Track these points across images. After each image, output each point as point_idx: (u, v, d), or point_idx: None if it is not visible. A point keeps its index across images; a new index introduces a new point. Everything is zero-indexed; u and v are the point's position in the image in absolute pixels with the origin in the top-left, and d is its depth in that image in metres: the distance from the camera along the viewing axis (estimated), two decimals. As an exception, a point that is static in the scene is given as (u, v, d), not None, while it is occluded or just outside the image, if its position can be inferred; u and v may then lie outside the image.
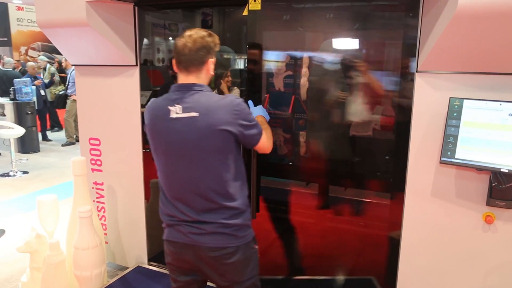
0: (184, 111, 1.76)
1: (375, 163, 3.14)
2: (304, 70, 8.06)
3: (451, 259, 2.11)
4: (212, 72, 1.88)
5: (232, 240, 1.81)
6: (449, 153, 1.93)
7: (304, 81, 8.31)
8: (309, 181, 2.96)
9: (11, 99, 7.86)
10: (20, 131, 6.38)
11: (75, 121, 8.16)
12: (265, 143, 1.91)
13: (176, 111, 1.77)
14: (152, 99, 1.91)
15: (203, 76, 1.85)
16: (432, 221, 2.12)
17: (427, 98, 2.06)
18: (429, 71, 2.05)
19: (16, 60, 11.23)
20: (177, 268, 1.93)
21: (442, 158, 1.95)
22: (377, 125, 8.16)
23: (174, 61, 1.85)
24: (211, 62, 1.85)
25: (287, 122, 3.54)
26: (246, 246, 1.85)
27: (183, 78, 1.84)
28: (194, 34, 1.80)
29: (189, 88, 1.81)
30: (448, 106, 1.97)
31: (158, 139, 1.83)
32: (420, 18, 2.04)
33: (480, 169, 1.90)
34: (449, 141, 1.94)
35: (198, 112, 1.74)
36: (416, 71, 2.08)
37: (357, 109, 2.78)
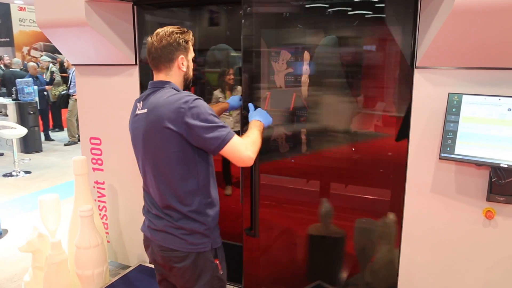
0: (142, 107, 1.77)
1: (376, 159, 3.14)
2: (305, 67, 8.00)
3: (451, 255, 2.11)
4: (184, 69, 1.81)
5: (181, 244, 1.74)
6: (448, 148, 1.93)
7: (305, 78, 8.27)
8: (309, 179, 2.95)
9: (13, 99, 7.89)
10: (22, 131, 6.41)
11: (77, 120, 8.19)
12: (236, 152, 1.68)
13: (139, 108, 1.80)
14: None
15: (174, 73, 1.80)
16: (432, 217, 2.12)
17: (426, 94, 2.06)
18: (427, 66, 2.04)
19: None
20: (150, 260, 1.95)
21: (442, 154, 1.94)
22: (379, 121, 8.11)
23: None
24: (181, 58, 1.79)
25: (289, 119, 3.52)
26: (199, 255, 1.76)
27: (155, 76, 1.83)
28: (161, 32, 1.77)
29: (156, 85, 1.79)
30: (447, 102, 1.96)
31: (130, 133, 1.87)
32: (418, 13, 2.03)
33: (479, 164, 1.89)
34: (448, 136, 1.93)
35: (147, 108, 1.74)
36: (415, 67, 2.07)
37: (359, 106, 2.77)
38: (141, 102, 1.79)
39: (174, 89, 1.77)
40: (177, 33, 1.78)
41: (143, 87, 3.04)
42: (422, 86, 2.07)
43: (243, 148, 1.70)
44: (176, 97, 1.68)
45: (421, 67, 2.05)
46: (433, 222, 2.12)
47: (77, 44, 2.98)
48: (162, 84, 1.78)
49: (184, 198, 1.73)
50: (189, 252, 1.74)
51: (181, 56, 1.79)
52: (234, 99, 2.70)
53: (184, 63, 1.81)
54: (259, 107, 2.32)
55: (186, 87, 1.88)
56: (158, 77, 1.81)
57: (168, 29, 1.79)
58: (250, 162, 1.73)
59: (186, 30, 1.84)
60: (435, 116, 2.04)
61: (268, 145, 3.67)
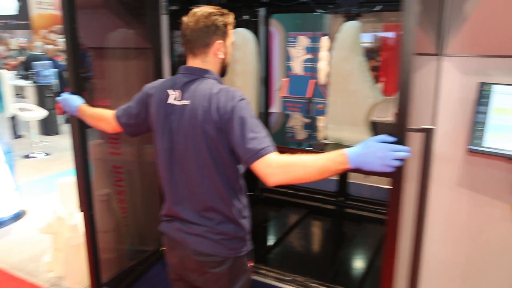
0: (181, 98, 1.62)
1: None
2: (324, 53, 7.93)
3: (477, 251, 2.05)
4: (221, 56, 1.66)
5: (220, 249, 1.65)
6: (477, 141, 1.85)
7: (323, 65, 8.17)
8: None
9: (32, 82, 7.97)
10: (41, 113, 6.47)
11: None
12: (260, 172, 1.46)
13: (174, 97, 1.64)
14: (162, 79, 1.80)
15: (210, 59, 1.65)
16: (457, 211, 2.05)
17: (454, 83, 1.98)
18: (457, 54, 1.95)
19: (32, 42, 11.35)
20: (170, 263, 1.84)
21: (470, 147, 1.87)
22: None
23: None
24: (219, 44, 1.63)
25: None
26: (236, 260, 1.69)
27: (190, 61, 1.68)
28: (198, 12, 1.61)
29: (193, 72, 1.65)
30: (477, 92, 1.88)
31: (157, 125, 1.69)
32: (449, -3, 1.94)
33: (511, 158, 1.81)
34: (477, 128, 1.85)
35: (189, 100, 1.59)
36: (443, 55, 1.99)
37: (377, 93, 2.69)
38: (178, 90, 1.63)
39: (217, 80, 1.65)
40: (216, 15, 1.61)
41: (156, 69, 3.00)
42: (450, 74, 1.99)
43: (269, 171, 1.45)
44: (223, 93, 1.55)
45: (450, 55, 1.97)
46: (459, 217, 2.05)
47: (95, 27, 2.96)
48: (202, 73, 1.64)
49: (230, 200, 1.64)
50: (227, 257, 1.67)
51: (219, 41, 1.63)
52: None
53: (222, 49, 1.66)
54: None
55: (222, 76, 1.75)
56: (194, 63, 1.66)
57: (207, 9, 1.62)
58: (271, 184, 1.48)
59: (226, 11, 1.67)
60: (463, 107, 1.96)
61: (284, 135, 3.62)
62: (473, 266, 2.07)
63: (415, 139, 1.85)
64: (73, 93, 2.22)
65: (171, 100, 1.64)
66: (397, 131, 1.57)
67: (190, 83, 1.62)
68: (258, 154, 1.46)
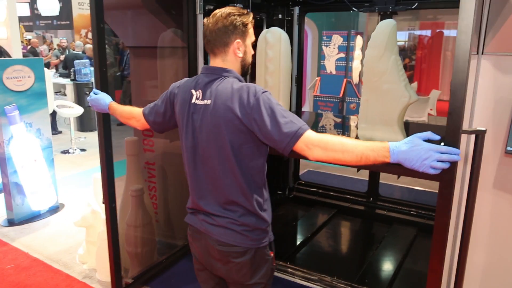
0: (202, 97, 1.66)
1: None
2: (357, 52, 7.80)
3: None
4: (240, 55, 1.70)
5: (242, 240, 1.68)
6: (516, 142, 1.78)
7: (357, 64, 8.04)
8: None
9: (71, 80, 8.24)
10: (79, 110, 6.69)
11: (130, 102, 8.43)
12: (311, 152, 1.49)
13: (196, 96, 1.68)
14: (187, 78, 1.83)
15: (230, 59, 1.69)
16: (495, 214, 1.98)
17: (493, 82, 1.91)
18: (496, 53, 1.88)
19: (74, 42, 11.72)
20: (197, 260, 1.88)
21: (508, 148, 1.80)
22: (432, 110, 7.78)
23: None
24: (237, 43, 1.67)
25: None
26: (257, 250, 1.73)
27: (211, 61, 1.72)
28: (218, 13, 1.66)
29: (214, 72, 1.68)
30: (517, 92, 1.81)
31: (180, 121, 1.74)
32: (489, -6, 1.87)
33: (551, 161, 1.73)
34: (517, 129, 1.78)
35: (211, 99, 1.62)
36: (482, 53, 1.92)
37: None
38: (200, 90, 1.68)
39: (237, 78, 1.68)
40: (234, 15, 1.66)
41: (190, 68, 3.05)
42: (488, 73, 1.92)
43: (316, 151, 1.49)
44: (244, 90, 1.58)
45: (489, 54, 1.90)
46: (496, 220, 1.98)
47: (134, 26, 3.03)
48: (222, 72, 1.68)
49: (251, 194, 1.67)
50: (249, 248, 1.70)
51: (238, 40, 1.67)
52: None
53: (241, 48, 1.69)
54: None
55: (244, 75, 1.77)
56: (214, 62, 1.71)
57: (226, 10, 1.67)
58: (312, 159, 1.53)
59: (246, 12, 1.71)
60: (502, 107, 1.89)
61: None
62: (510, 270, 1.99)
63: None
64: (101, 90, 2.30)
65: (193, 100, 1.69)
66: (450, 132, 1.52)
67: (211, 82, 1.66)
68: (296, 134, 1.49)
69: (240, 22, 1.66)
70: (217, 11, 1.69)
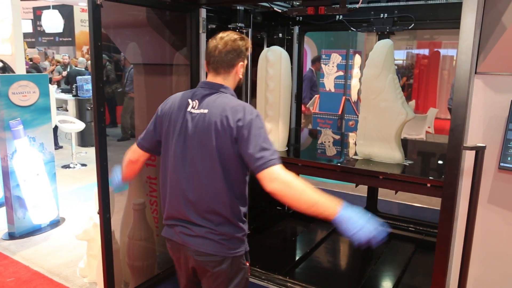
0: (198, 107, 1.78)
1: (427, 167, 3.05)
2: (356, 70, 7.91)
3: (508, 270, 2.01)
4: (241, 76, 1.87)
5: (220, 249, 1.75)
6: (509, 158, 1.84)
7: (355, 82, 8.15)
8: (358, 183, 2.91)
9: (73, 96, 8.33)
10: (80, 125, 6.76)
11: (131, 117, 8.51)
12: (274, 185, 1.59)
13: (192, 106, 1.79)
14: (177, 94, 1.94)
15: (231, 78, 1.85)
16: (489, 229, 2.03)
17: (486, 101, 1.98)
18: (489, 72, 1.96)
19: (75, 58, 11.86)
20: (179, 270, 1.95)
21: (501, 164, 1.87)
22: (430, 128, 7.84)
23: (205, 62, 1.87)
24: (241, 65, 1.85)
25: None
26: (234, 259, 1.79)
27: (211, 78, 1.85)
28: (226, 37, 1.81)
29: (213, 87, 1.82)
30: (509, 109, 1.87)
31: (172, 128, 1.83)
32: (481, 16, 1.95)
33: (543, 176, 1.79)
34: (509, 146, 1.85)
35: (208, 109, 1.75)
36: (475, 73, 1.99)
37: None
38: (196, 100, 1.79)
39: (233, 96, 1.82)
40: (240, 40, 1.82)
41: (192, 85, 3.13)
42: (482, 92, 1.99)
43: (282, 180, 1.61)
44: (241, 106, 1.72)
45: (482, 73, 1.98)
46: (491, 235, 2.03)
47: (138, 44, 3.12)
48: (220, 88, 1.81)
49: (231, 203, 1.75)
50: (226, 257, 1.77)
51: (241, 63, 1.84)
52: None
53: (242, 70, 1.86)
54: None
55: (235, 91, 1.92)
56: (215, 79, 1.83)
57: (232, 35, 1.83)
58: (273, 195, 1.63)
59: (246, 37, 1.89)
60: (495, 124, 1.96)
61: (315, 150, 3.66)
62: (504, 285, 2.03)
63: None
64: (98, 105, 2.37)
65: (189, 108, 1.80)
66: (452, 148, 1.58)
67: (209, 95, 1.79)
68: (268, 163, 1.62)
69: (244, 47, 1.84)
70: (223, 34, 1.83)
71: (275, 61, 3.01)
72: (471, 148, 1.81)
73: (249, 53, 1.89)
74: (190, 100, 1.82)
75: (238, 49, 1.81)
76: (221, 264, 1.77)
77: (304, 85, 6.55)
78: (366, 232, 1.56)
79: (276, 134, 3.10)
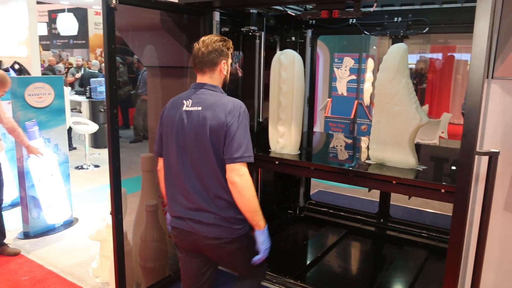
0: (192, 105, 2.00)
1: (440, 172, 3.02)
2: (369, 74, 7.86)
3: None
4: (225, 73, 2.09)
5: (228, 232, 1.98)
6: (526, 165, 1.82)
7: (368, 86, 8.10)
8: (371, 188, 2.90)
9: (87, 97, 8.43)
10: (94, 127, 6.83)
11: (144, 119, 8.57)
12: (242, 174, 1.90)
13: (186, 105, 2.01)
14: (175, 97, 2.14)
15: (216, 76, 2.06)
16: (506, 236, 2.00)
17: (502, 106, 1.96)
18: (506, 77, 1.94)
19: (88, 61, 11.99)
20: (182, 249, 2.15)
21: (518, 170, 1.84)
22: (443, 133, 7.76)
23: (192, 65, 2.08)
24: (223, 63, 2.06)
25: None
26: (242, 237, 2.03)
27: (199, 78, 2.08)
28: (207, 40, 2.04)
29: (202, 86, 2.04)
30: (526, 115, 1.85)
31: (170, 127, 2.04)
32: (499, 21, 1.93)
33: (561, 183, 1.76)
34: (526, 152, 1.82)
35: (201, 106, 1.97)
36: (492, 77, 1.97)
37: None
38: (190, 100, 2.02)
39: (222, 92, 2.06)
40: (220, 41, 2.05)
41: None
42: (499, 97, 1.97)
43: (245, 179, 1.91)
44: (231, 102, 1.96)
45: (499, 78, 1.96)
46: (506, 242, 2.00)
47: (152, 47, 3.15)
48: (210, 87, 2.04)
49: (227, 189, 1.95)
50: (235, 237, 2.01)
51: (223, 61, 2.06)
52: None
53: (225, 68, 2.08)
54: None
55: (224, 89, 2.13)
56: (203, 79, 2.06)
57: (213, 37, 2.06)
58: (232, 185, 1.92)
59: (227, 38, 2.11)
60: (511, 130, 1.94)
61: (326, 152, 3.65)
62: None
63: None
64: (111, 107, 2.41)
65: (184, 108, 2.02)
66: (464, 153, 1.57)
67: (200, 94, 2.02)
68: (237, 158, 1.89)
69: (225, 47, 2.06)
70: (205, 38, 2.06)
71: (288, 64, 3.01)
72: (484, 154, 1.79)
73: (230, 52, 2.10)
74: (184, 101, 2.04)
75: (219, 49, 2.03)
76: (232, 243, 2.01)
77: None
78: (268, 250, 2.05)
79: (288, 137, 3.10)
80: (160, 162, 2.19)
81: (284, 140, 3.12)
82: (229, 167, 1.90)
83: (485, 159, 1.98)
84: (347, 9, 2.78)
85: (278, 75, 3.08)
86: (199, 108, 1.97)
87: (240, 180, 1.89)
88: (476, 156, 1.94)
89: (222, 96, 2.01)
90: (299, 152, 3.20)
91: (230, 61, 2.11)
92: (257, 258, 2.04)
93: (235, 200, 1.94)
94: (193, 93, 2.03)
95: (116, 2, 2.30)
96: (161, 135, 2.12)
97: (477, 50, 1.51)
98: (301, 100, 3.11)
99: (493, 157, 1.72)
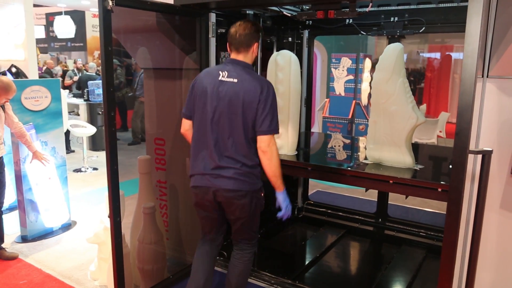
0: (228, 76, 2.31)
1: (437, 171, 3.02)
2: (366, 74, 7.87)
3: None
4: (255, 54, 2.41)
5: (243, 186, 2.32)
6: (522, 163, 1.82)
7: (365, 86, 8.10)
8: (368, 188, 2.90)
9: (84, 100, 8.42)
10: (92, 130, 6.82)
11: (142, 121, 8.56)
12: (267, 143, 2.27)
13: (222, 75, 2.32)
14: (209, 68, 2.57)
15: (249, 55, 2.40)
16: (501, 235, 2.00)
17: (498, 105, 1.96)
18: (501, 76, 1.94)
19: (86, 63, 11.98)
20: (201, 207, 2.48)
21: (514, 169, 1.84)
22: (441, 132, 7.76)
23: (228, 44, 2.39)
24: (256, 45, 2.39)
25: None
26: (254, 192, 2.37)
27: (234, 56, 2.39)
28: (243, 24, 2.36)
29: (237, 63, 2.36)
30: (522, 114, 1.85)
31: (204, 94, 2.34)
32: (493, 19, 1.94)
33: (557, 181, 1.76)
34: (522, 150, 1.82)
35: (237, 79, 2.29)
36: (487, 76, 1.98)
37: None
38: (226, 71, 2.33)
39: (253, 70, 2.40)
40: (254, 25, 2.38)
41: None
42: (494, 96, 1.97)
43: (271, 150, 2.29)
44: (261, 79, 2.34)
45: (494, 77, 1.96)
46: (503, 240, 2.00)
47: (148, 48, 3.15)
48: (244, 64, 2.36)
49: (249, 152, 2.31)
50: (248, 191, 2.34)
51: (256, 43, 2.39)
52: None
53: (257, 49, 2.41)
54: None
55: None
56: (237, 57, 2.38)
57: (247, 22, 2.38)
58: (263, 157, 2.32)
59: (258, 24, 2.52)
60: (507, 129, 1.94)
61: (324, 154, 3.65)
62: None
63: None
64: (108, 109, 2.42)
65: (220, 78, 2.32)
66: (457, 152, 1.57)
67: (235, 68, 2.34)
68: (269, 130, 2.26)
69: (257, 32, 2.38)
70: (241, 22, 2.37)
71: (284, 65, 3.02)
72: (477, 152, 1.79)
73: (261, 35, 2.43)
74: (220, 72, 2.34)
75: (254, 33, 2.35)
76: (245, 196, 2.34)
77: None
78: (289, 206, 2.50)
79: (285, 138, 3.10)
80: (185, 124, 2.51)
81: (281, 141, 3.12)
82: (262, 138, 2.26)
83: (481, 158, 1.99)
84: (342, 10, 2.78)
85: (275, 75, 3.08)
86: (235, 80, 2.29)
87: (270, 149, 2.27)
88: (473, 155, 1.95)
89: (254, 73, 2.36)
90: (296, 152, 3.20)
91: (259, 42, 2.45)
92: (281, 214, 2.46)
93: (263, 166, 2.32)
94: (228, 67, 2.35)
95: (113, 4, 2.29)
96: (192, 100, 2.41)
97: (469, 49, 1.51)
98: (297, 101, 3.11)
99: (486, 156, 1.72)
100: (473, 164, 2.03)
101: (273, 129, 2.27)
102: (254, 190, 2.37)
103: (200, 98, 2.36)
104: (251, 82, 2.26)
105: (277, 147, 2.32)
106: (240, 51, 2.37)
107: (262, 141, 2.27)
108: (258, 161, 2.34)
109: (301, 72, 3.39)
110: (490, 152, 1.72)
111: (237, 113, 2.25)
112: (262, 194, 2.46)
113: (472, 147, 2.03)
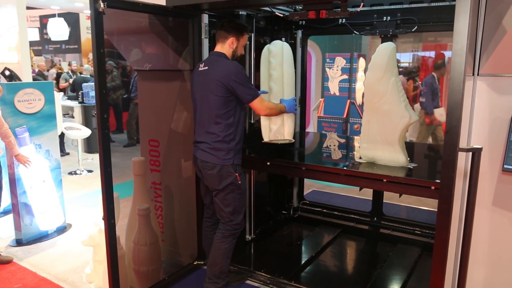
0: (204, 66, 2.73)
1: (431, 169, 3.04)
2: (360, 74, 7.88)
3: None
4: (233, 48, 2.75)
5: (212, 159, 2.69)
6: (513, 160, 1.83)
7: (360, 85, 8.11)
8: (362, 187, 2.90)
9: (79, 102, 8.39)
10: (86, 132, 6.80)
11: (137, 123, 8.54)
12: (257, 106, 2.70)
13: (201, 67, 2.75)
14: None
15: (226, 47, 2.75)
16: (494, 231, 2.01)
17: (489, 103, 1.97)
18: (491, 74, 1.95)
19: (81, 65, 11.94)
20: (197, 173, 2.91)
21: (505, 166, 1.85)
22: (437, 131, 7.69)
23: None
24: (232, 39, 2.73)
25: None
26: (223, 167, 2.69)
27: (215, 48, 2.78)
28: (227, 21, 2.76)
29: (214, 53, 2.77)
30: (512, 111, 1.86)
31: (194, 85, 2.81)
32: (483, 18, 1.95)
33: (547, 178, 1.78)
34: (513, 147, 1.84)
35: (207, 66, 2.70)
36: (478, 74, 1.99)
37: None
38: (203, 63, 2.75)
39: (227, 58, 2.73)
40: (236, 24, 2.75)
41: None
42: (484, 94, 1.98)
43: (263, 108, 2.73)
44: (229, 63, 2.67)
45: (484, 75, 1.97)
46: (495, 237, 2.01)
47: (141, 50, 3.14)
48: (219, 54, 2.74)
49: (221, 130, 2.66)
50: (216, 164, 2.69)
51: (233, 38, 2.73)
52: (290, 102, 3.07)
53: (234, 44, 2.75)
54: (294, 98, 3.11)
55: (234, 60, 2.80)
56: (216, 48, 2.77)
57: (232, 21, 2.78)
58: (263, 114, 2.88)
59: (244, 26, 2.83)
60: (498, 126, 1.95)
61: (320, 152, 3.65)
62: (510, 286, 2.01)
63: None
64: (101, 111, 2.42)
65: (199, 69, 2.75)
66: (447, 150, 1.58)
67: (210, 58, 2.77)
68: (252, 97, 2.66)
69: (236, 30, 2.74)
70: (228, 20, 2.76)
71: (277, 51, 3.06)
72: (467, 150, 1.80)
73: (244, 36, 2.80)
74: (200, 65, 2.77)
75: (232, 28, 2.72)
76: (213, 168, 2.70)
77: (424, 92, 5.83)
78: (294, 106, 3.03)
79: (281, 122, 3.13)
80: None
81: (276, 126, 3.13)
82: (252, 106, 2.70)
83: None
84: (334, 10, 2.79)
85: (268, 62, 3.11)
86: (206, 68, 2.69)
87: (264, 109, 2.74)
88: (465, 153, 1.96)
89: (225, 60, 2.69)
90: (293, 140, 3.21)
91: (243, 43, 2.79)
92: (285, 103, 2.97)
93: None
94: (207, 59, 2.79)
95: (104, 6, 2.29)
96: (192, 91, 2.84)
97: (457, 48, 1.53)
98: (292, 85, 3.13)
99: (476, 153, 1.73)
100: (464, 161, 2.04)
101: (254, 95, 2.65)
102: (223, 165, 2.68)
103: (194, 90, 2.82)
104: (218, 66, 2.64)
105: (270, 104, 2.84)
106: (219, 42, 2.76)
107: (254, 107, 2.72)
108: (228, 138, 2.67)
109: (295, 72, 3.40)
110: (480, 149, 1.73)
111: (207, 95, 2.65)
112: (238, 176, 2.74)
113: (463, 144, 2.04)
